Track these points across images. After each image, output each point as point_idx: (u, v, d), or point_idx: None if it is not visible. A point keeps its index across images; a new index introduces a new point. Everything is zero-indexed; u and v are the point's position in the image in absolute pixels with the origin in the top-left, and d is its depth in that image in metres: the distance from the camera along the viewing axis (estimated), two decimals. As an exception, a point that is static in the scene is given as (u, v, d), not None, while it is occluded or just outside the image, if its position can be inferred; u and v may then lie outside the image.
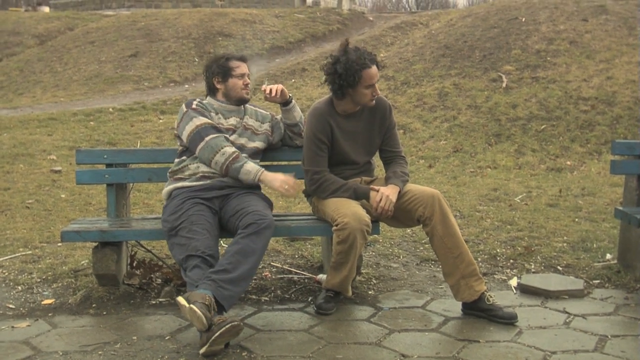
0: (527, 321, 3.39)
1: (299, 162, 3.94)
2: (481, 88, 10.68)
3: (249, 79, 3.82)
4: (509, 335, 3.20)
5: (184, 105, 3.74)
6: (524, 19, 12.98)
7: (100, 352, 2.98)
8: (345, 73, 3.56)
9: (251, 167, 3.57)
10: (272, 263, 4.46)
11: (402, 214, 3.61)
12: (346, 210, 3.46)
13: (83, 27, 18.10)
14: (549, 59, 11.23)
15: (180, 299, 2.93)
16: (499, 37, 12.38)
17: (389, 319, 3.43)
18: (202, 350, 2.90)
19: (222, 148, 3.55)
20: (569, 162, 8.44)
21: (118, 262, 3.73)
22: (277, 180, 3.52)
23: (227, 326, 2.87)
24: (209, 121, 3.64)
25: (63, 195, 6.63)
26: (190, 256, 3.20)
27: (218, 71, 3.77)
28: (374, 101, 3.69)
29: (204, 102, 3.77)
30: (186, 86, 13.32)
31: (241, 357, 2.94)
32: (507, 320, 3.37)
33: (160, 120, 10.54)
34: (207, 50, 14.91)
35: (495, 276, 4.20)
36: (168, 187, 3.69)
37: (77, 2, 26.27)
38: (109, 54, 15.24)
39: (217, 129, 3.63)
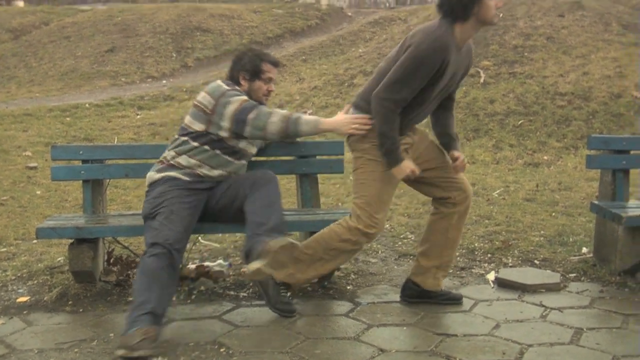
0: (504, 315, 3.41)
1: (282, 158, 3.98)
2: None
3: (273, 86, 3.68)
4: (486, 329, 3.22)
5: (221, 83, 3.52)
6: (501, 15, 13.01)
7: (76, 350, 2.95)
8: None
9: (309, 117, 3.48)
10: (250, 259, 4.44)
11: (435, 185, 3.51)
12: (385, 212, 3.38)
13: (58, 21, 17.88)
14: (526, 54, 11.30)
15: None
16: (477, 32, 12.42)
17: (368, 313, 3.44)
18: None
19: (272, 112, 3.42)
20: (546, 157, 8.50)
21: (94, 259, 3.70)
22: (340, 123, 3.44)
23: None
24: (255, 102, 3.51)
25: (38, 192, 6.56)
26: (156, 244, 3.13)
27: (248, 68, 3.57)
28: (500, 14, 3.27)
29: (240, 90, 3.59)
30: (164, 82, 13.24)
31: (219, 353, 2.93)
32: (454, 301, 3.54)
33: (138, 116, 10.47)
34: (185, 46, 14.83)
35: (473, 270, 4.22)
36: (158, 174, 3.50)
37: (53, -3, 25.94)
38: (85, 49, 15.09)
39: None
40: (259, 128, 3.39)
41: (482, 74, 10.84)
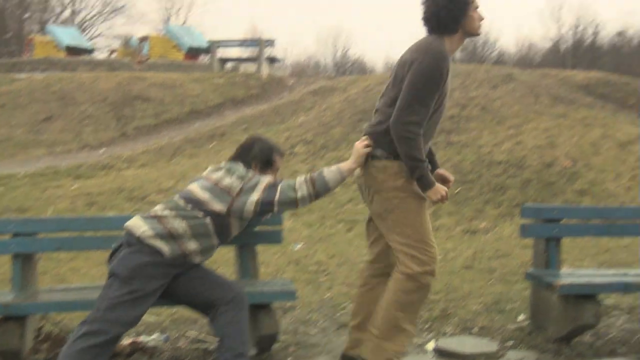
0: (444, 386, 3.39)
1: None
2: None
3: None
4: (427, 402, 3.19)
5: (243, 169, 3.42)
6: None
7: None
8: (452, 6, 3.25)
9: (328, 170, 3.43)
10: (187, 332, 4.34)
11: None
12: (433, 242, 3.31)
13: (-6, 89, 17.61)
14: (462, 124, 11.64)
15: None
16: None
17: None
18: None
19: (294, 181, 3.37)
20: (483, 224, 8.67)
21: (22, 337, 3.54)
22: (356, 156, 3.39)
23: None
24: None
25: (-34, 266, 6.29)
26: (105, 320, 3.03)
27: (261, 158, 3.53)
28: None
29: None
30: (102, 150, 13.08)
31: None
32: None
33: (74, 186, 10.26)
34: (125, 114, 14.76)
35: (412, 340, 4.20)
36: (154, 241, 3.21)
37: (-11, 65, 25.62)
38: (20, 118, 14.84)
39: None
40: (288, 196, 3.33)
41: (419, 143, 11.07)
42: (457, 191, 9.53)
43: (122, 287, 3.12)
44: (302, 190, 3.34)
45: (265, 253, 6.88)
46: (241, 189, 3.33)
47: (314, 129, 12.73)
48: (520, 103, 12.49)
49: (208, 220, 3.30)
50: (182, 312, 4.75)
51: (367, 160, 3.36)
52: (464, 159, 10.38)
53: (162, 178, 10.43)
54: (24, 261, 3.89)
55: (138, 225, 3.27)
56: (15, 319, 3.52)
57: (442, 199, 3.28)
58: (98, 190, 9.79)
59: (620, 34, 40.14)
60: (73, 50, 25.01)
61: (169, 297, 3.34)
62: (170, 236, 3.23)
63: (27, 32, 38.47)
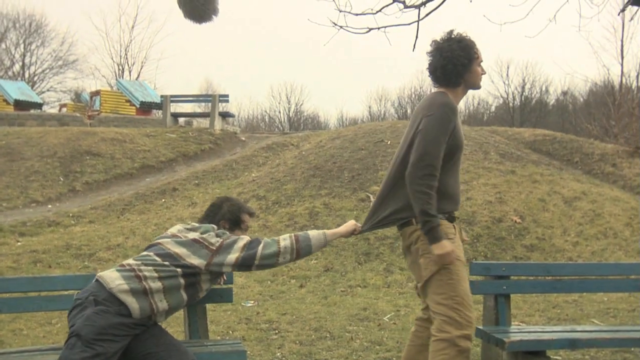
0: None
1: None
2: (350, 207, 10.96)
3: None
4: None
5: (217, 231, 3.48)
6: (389, 142, 13.65)
7: None
8: (462, 53, 3.40)
9: (314, 232, 3.51)
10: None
11: None
12: (472, 306, 3.34)
13: (-61, 144, 17.18)
14: (412, 180, 11.77)
15: None
16: (366, 158, 12.91)
17: None
18: None
19: (278, 238, 3.44)
20: (434, 280, 8.69)
21: (-44, 405, 3.37)
22: (344, 229, 3.60)
23: None
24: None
25: None
26: None
27: (229, 217, 3.65)
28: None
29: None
30: (49, 206, 12.80)
31: None
32: None
33: (19, 243, 9.98)
34: (74, 170, 14.52)
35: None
36: (127, 297, 3.15)
37: None
38: (-35, 173, 14.48)
39: None
40: (272, 255, 3.38)
41: (371, 198, 11.15)
42: (408, 247, 9.58)
43: (85, 350, 3.02)
44: (287, 247, 3.41)
45: (215, 311, 6.76)
46: (221, 245, 3.37)
47: (266, 184, 12.72)
48: (470, 159, 12.73)
49: (181, 275, 3.30)
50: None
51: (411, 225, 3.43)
52: (416, 215, 10.47)
53: (111, 234, 10.23)
54: (-39, 324, 3.74)
55: (112, 278, 3.21)
56: (-50, 385, 3.36)
57: (447, 256, 3.30)
58: (44, 248, 9.53)
59: (565, 93, 41.59)
60: (22, 105, 24.65)
61: (123, 357, 3.24)
62: (144, 293, 3.20)
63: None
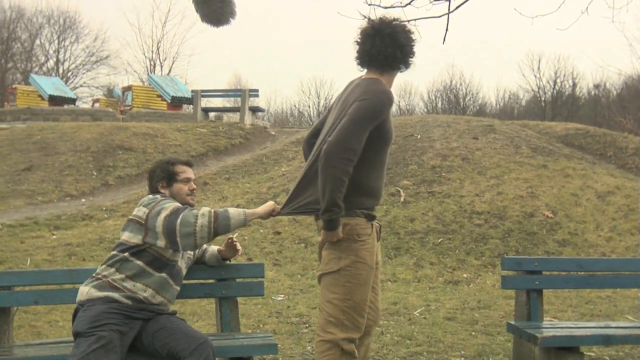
0: None
1: (201, 281, 3.93)
2: (381, 202, 10.95)
3: (194, 184, 3.70)
4: None
5: (151, 195, 3.54)
6: (419, 136, 13.60)
7: None
8: (405, 39, 3.31)
9: (234, 210, 3.41)
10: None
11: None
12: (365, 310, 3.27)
13: (-25, 139, 17.52)
14: (443, 174, 11.72)
15: None
16: (397, 152, 12.87)
17: None
18: None
19: (199, 211, 3.37)
20: (465, 275, 8.66)
21: (-5, 395, 3.45)
22: (263, 210, 3.47)
23: None
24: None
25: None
26: None
27: (162, 175, 3.63)
28: None
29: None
30: (83, 200, 12.98)
31: None
32: None
33: (54, 236, 10.15)
34: (106, 164, 14.71)
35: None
36: (99, 293, 3.35)
37: (-30, 115, 25.57)
38: (0, 168, 14.75)
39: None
40: (187, 233, 3.32)
41: (402, 193, 11.13)
42: (439, 241, 9.55)
43: (87, 339, 3.13)
44: (204, 224, 3.33)
45: (246, 304, 6.81)
46: (147, 216, 3.41)
47: (296, 179, 12.75)
48: (501, 154, 12.63)
49: (132, 257, 3.40)
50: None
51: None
52: (446, 210, 10.42)
53: (143, 228, 10.34)
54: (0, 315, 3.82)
55: (82, 291, 3.41)
56: (-11, 375, 3.43)
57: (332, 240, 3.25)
58: (78, 241, 9.69)
59: (597, 86, 40.96)
60: (56, 100, 25.03)
61: (137, 351, 3.36)
62: (112, 286, 3.35)
63: (9, 82, 38.58)
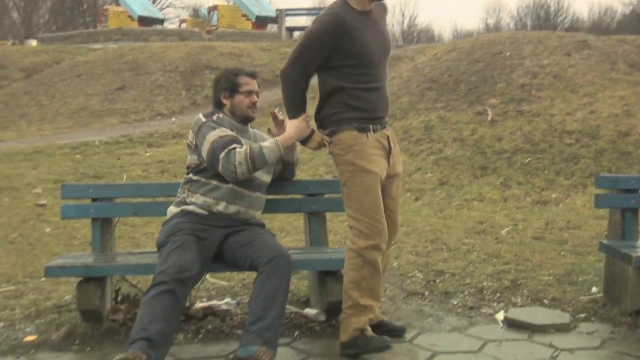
0: (513, 355, 3.37)
1: (290, 196, 4.07)
2: (467, 121, 10.75)
3: (257, 97, 3.73)
4: (496, 370, 3.18)
5: (201, 116, 3.60)
6: (508, 54, 13.14)
7: (82, 390, 2.93)
8: None
9: (268, 143, 3.50)
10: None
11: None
12: (384, 219, 3.39)
13: (70, 60, 18.14)
14: (533, 92, 11.35)
15: None
16: (484, 71, 12.52)
17: (376, 354, 3.40)
18: None
19: (237, 150, 3.44)
20: (554, 195, 8.48)
21: (102, 298, 3.69)
22: (294, 132, 3.55)
23: None
24: (233, 134, 3.54)
25: (47, 230, 6.58)
26: (161, 272, 3.14)
27: (226, 86, 3.66)
28: None
29: (221, 116, 3.64)
30: (173, 119, 13.35)
31: (226, 394, 2.90)
32: (395, 332, 3.56)
33: (147, 154, 10.53)
34: (194, 84, 14.99)
35: (481, 310, 4.18)
36: (177, 208, 3.57)
37: (65, 36, 26.38)
38: (95, 87, 15.27)
39: (239, 142, 3.52)
40: (229, 170, 3.43)
41: (489, 112, 10.88)
42: (527, 161, 9.35)
43: (166, 245, 3.34)
44: (242, 163, 3.41)
45: (332, 222, 6.93)
46: (195, 140, 3.56)
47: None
48: (596, 70, 12.07)
49: (196, 175, 3.56)
50: (252, 276, 4.85)
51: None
52: (535, 129, 10.15)
53: (231, 146, 10.57)
54: (103, 225, 4.03)
55: (167, 212, 3.65)
56: (96, 280, 3.66)
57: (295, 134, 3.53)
58: (170, 158, 10.02)
59: None
60: (145, 21, 25.47)
61: (223, 261, 3.56)
62: (188, 203, 3.55)
63: (101, 3, 39.38)
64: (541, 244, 6.00)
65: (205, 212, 3.51)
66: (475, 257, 5.51)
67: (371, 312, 3.40)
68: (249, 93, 3.68)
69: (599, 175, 4.30)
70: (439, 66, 13.41)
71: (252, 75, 3.76)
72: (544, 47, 13.21)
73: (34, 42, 24.23)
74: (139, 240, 6.13)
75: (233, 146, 3.44)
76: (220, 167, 3.43)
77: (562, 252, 5.69)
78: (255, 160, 3.42)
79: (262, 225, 3.71)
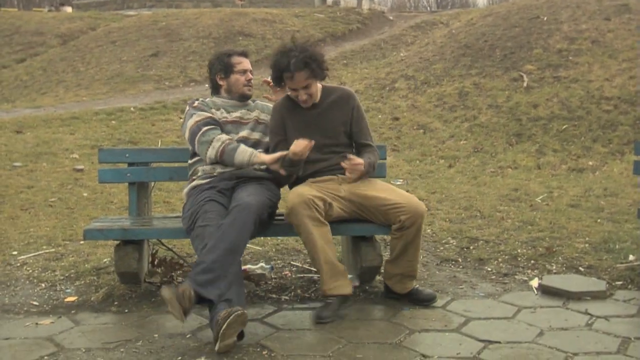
0: (548, 322, 3.36)
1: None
2: (502, 87, 10.61)
3: (251, 74, 3.85)
4: (531, 336, 3.18)
5: (189, 103, 3.80)
6: (545, 18, 12.88)
7: (122, 350, 3.01)
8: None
9: (246, 148, 3.58)
10: (292, 262, 4.48)
11: (379, 214, 3.61)
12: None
13: (105, 27, 18.24)
14: (570, 58, 11.14)
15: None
16: (520, 36, 12.30)
17: (409, 319, 3.43)
18: (216, 347, 2.91)
19: (217, 136, 3.59)
20: (590, 163, 8.37)
21: (139, 261, 3.76)
22: (274, 157, 3.52)
23: (231, 317, 2.87)
24: (209, 115, 3.68)
25: (85, 194, 6.69)
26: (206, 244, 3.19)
27: (220, 67, 3.81)
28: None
29: (206, 100, 3.81)
30: (206, 85, 13.35)
31: (261, 355, 2.95)
32: (427, 302, 3.62)
33: (181, 120, 10.58)
34: (228, 50, 14.98)
35: (516, 277, 4.17)
36: (185, 189, 3.75)
37: (100, 2, 26.49)
38: (130, 54, 15.35)
39: (216, 123, 3.66)
40: (204, 151, 3.60)
41: (525, 78, 10.72)
42: (563, 128, 9.22)
43: (195, 223, 3.38)
44: (215, 147, 3.55)
45: (366, 188, 6.92)
46: (185, 120, 3.75)
47: (415, 64, 12.52)
48: (636, 35, 11.77)
49: (189, 159, 3.79)
50: (285, 242, 4.90)
51: None
52: (572, 95, 9.97)
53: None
54: (139, 189, 4.09)
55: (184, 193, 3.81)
56: (133, 243, 3.73)
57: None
58: (203, 125, 10.06)
59: None
60: (177, -14, 25.40)
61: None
62: (194, 179, 3.70)
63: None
64: (577, 212, 5.94)
65: (207, 180, 3.61)
66: (510, 225, 5.48)
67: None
68: (244, 72, 3.81)
69: (638, 142, 4.22)
70: (474, 32, 13.21)
71: (244, 54, 3.89)
72: (583, 11, 12.92)
73: (69, 9, 24.39)
74: (173, 205, 6.21)
75: (207, 127, 3.61)
76: (196, 148, 3.62)
77: (599, 220, 5.62)
78: (225, 155, 3.55)
79: (267, 178, 3.71)
